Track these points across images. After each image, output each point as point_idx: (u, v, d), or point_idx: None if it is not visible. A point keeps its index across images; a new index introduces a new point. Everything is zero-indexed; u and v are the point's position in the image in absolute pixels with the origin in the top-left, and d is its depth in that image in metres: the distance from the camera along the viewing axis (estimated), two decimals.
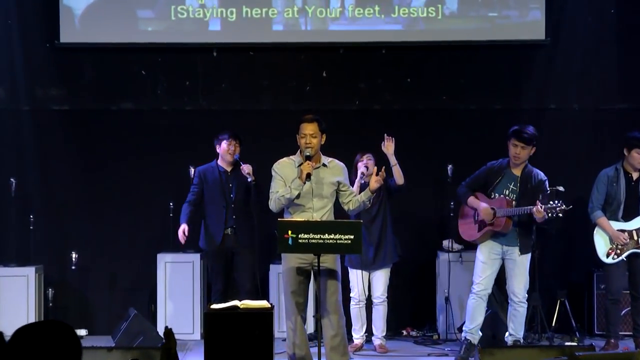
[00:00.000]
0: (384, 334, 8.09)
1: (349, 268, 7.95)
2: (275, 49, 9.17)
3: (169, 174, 9.01)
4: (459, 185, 7.77)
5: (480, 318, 7.59)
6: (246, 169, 7.89)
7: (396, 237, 8.07)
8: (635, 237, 7.78)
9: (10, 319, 8.15)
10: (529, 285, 7.61)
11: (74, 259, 8.84)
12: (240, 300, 6.59)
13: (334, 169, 6.63)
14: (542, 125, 9.07)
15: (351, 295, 7.96)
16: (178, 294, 8.66)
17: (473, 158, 8.03)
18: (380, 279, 7.99)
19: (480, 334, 7.65)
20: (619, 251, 7.79)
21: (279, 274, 8.50)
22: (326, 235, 6.15)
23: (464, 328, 7.72)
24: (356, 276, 7.94)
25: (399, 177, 7.80)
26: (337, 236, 6.15)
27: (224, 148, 8.05)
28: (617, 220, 7.84)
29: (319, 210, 6.51)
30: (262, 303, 6.59)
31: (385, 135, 7.77)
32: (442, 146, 8.99)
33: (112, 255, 9.06)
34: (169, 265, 8.71)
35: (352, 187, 7.04)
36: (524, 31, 9.04)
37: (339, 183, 6.61)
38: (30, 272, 8.66)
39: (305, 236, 6.15)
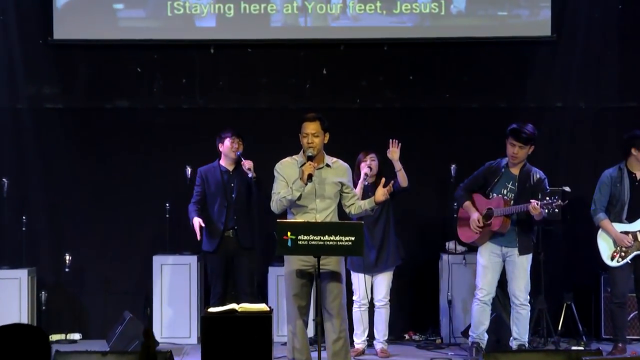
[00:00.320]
0: (386, 338, 8.07)
1: (351, 271, 7.94)
2: (274, 45, 9.15)
3: (166, 173, 8.99)
4: (457, 188, 7.78)
5: (486, 322, 7.60)
6: (247, 164, 7.90)
7: (399, 240, 8.05)
8: None
9: (2, 323, 8.12)
10: (530, 287, 7.60)
11: (67, 261, 8.83)
12: (238, 304, 6.58)
13: (337, 170, 6.60)
14: (547, 124, 9.10)
15: (353, 298, 7.95)
16: (174, 297, 8.65)
17: (477, 158, 8.02)
18: (383, 282, 7.98)
19: (487, 336, 7.65)
20: (623, 254, 7.78)
21: (278, 277, 8.51)
22: (327, 237, 6.12)
23: (470, 333, 7.71)
24: (358, 279, 7.93)
25: (403, 180, 7.80)
26: (338, 238, 6.12)
27: (227, 146, 8.05)
28: (621, 221, 7.83)
29: (322, 212, 6.49)
30: (261, 306, 6.58)
31: (391, 140, 7.75)
32: (445, 145, 8.98)
33: (107, 257, 9.05)
34: (165, 268, 8.70)
35: (355, 188, 7.01)
36: (529, 28, 9.03)
37: (342, 184, 6.58)
38: (22, 274, 8.64)
39: (305, 238, 6.13)
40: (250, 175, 7.88)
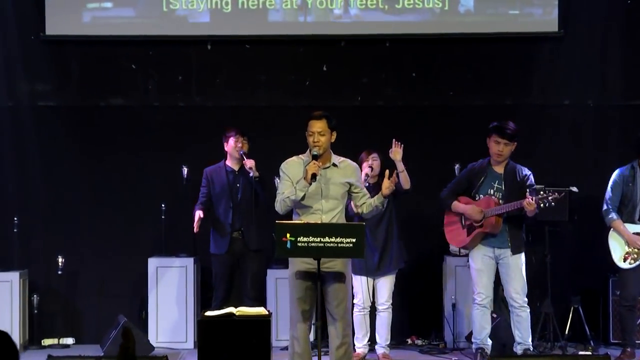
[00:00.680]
0: (388, 342, 8.06)
1: (352, 274, 7.92)
2: (273, 41, 9.15)
3: (161, 173, 8.99)
4: (442, 191, 7.77)
5: (488, 326, 7.60)
6: (248, 163, 7.91)
7: (402, 242, 8.05)
8: None
9: None
10: (536, 289, 7.59)
11: (60, 264, 8.82)
12: (236, 307, 6.57)
13: (345, 170, 6.58)
14: (553, 122, 9.10)
15: (354, 301, 7.93)
16: (171, 300, 8.64)
17: (481, 157, 7.98)
18: (385, 285, 7.97)
19: (490, 341, 7.65)
20: (635, 255, 7.76)
21: (277, 279, 8.51)
22: (327, 238, 6.11)
23: (473, 340, 7.71)
24: (360, 282, 7.92)
25: (405, 182, 7.80)
26: (339, 239, 6.11)
27: (231, 145, 8.05)
28: (633, 222, 7.81)
29: (328, 212, 6.47)
30: (259, 310, 6.57)
31: (394, 140, 7.74)
32: (449, 144, 8.98)
33: (101, 259, 9.04)
34: (161, 270, 8.69)
35: None
36: (535, 23, 9.03)
37: (350, 185, 6.56)
38: (14, 277, 8.62)
39: (305, 239, 6.11)
40: (251, 174, 7.88)
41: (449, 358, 8.25)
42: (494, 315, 8.17)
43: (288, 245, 6.12)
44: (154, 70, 9.20)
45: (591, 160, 9.04)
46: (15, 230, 8.79)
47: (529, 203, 7.24)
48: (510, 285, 7.52)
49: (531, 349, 7.60)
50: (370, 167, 7.84)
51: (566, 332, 8.44)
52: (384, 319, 8.00)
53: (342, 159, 6.64)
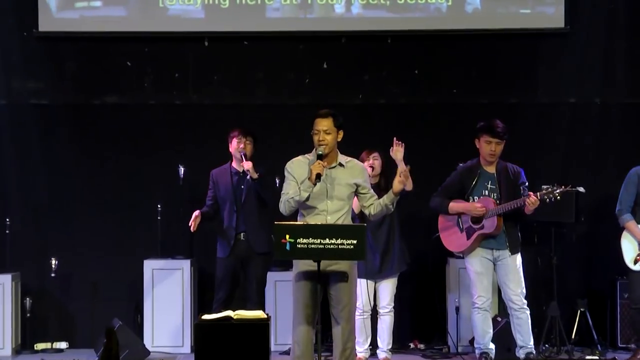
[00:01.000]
0: (390, 347, 8.06)
1: None
2: (272, 38, 9.15)
3: (157, 173, 8.99)
4: (431, 198, 7.74)
5: (490, 330, 7.60)
6: (245, 165, 7.88)
7: (404, 244, 8.04)
8: None
9: None
10: (533, 291, 7.59)
11: (53, 266, 8.81)
12: (234, 311, 6.56)
13: (352, 170, 6.55)
14: (560, 120, 9.10)
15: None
16: (167, 303, 8.64)
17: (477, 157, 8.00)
18: (387, 288, 7.96)
19: (493, 345, 7.64)
20: None
21: (277, 282, 8.51)
22: (327, 239, 6.10)
23: (476, 345, 7.71)
24: (360, 285, 7.90)
25: (407, 183, 7.79)
26: (339, 241, 6.11)
27: (234, 146, 8.02)
28: None
29: (333, 214, 6.46)
30: (258, 313, 6.56)
31: (395, 139, 7.74)
32: (452, 144, 8.97)
33: (95, 261, 9.03)
34: (157, 273, 8.69)
35: None
36: (541, 19, 9.02)
37: (357, 185, 6.54)
38: (6, 279, 8.61)
39: (305, 241, 6.11)
40: (248, 177, 7.87)
41: None
42: (499, 319, 8.17)
43: (287, 247, 6.12)
44: (149, 68, 9.20)
45: (598, 160, 9.03)
46: (7, 231, 8.79)
47: (533, 202, 7.23)
48: (509, 287, 7.51)
49: (534, 352, 7.60)
50: (371, 166, 7.84)
51: (573, 336, 8.44)
52: (386, 322, 7.99)
53: (349, 158, 6.62)
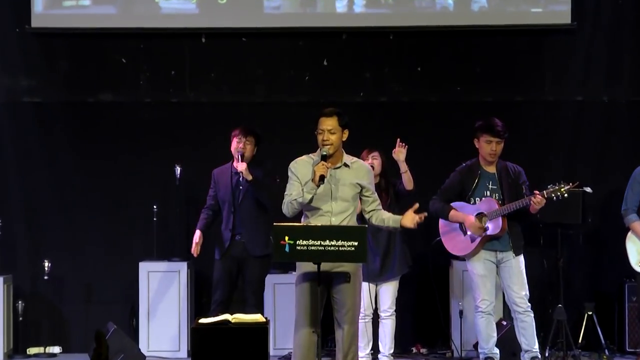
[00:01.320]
0: (392, 351, 8.05)
1: None
2: (271, 34, 9.14)
3: (153, 173, 8.99)
4: (430, 201, 7.71)
5: (494, 334, 7.58)
6: (239, 167, 7.86)
7: (406, 246, 8.03)
8: None
9: None
10: (539, 294, 7.59)
11: (46, 268, 8.81)
12: (232, 314, 6.55)
13: (357, 171, 6.53)
14: (567, 119, 9.10)
15: None
16: (163, 306, 8.64)
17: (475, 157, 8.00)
18: (388, 291, 7.96)
19: (498, 349, 7.64)
20: None
21: (275, 285, 8.51)
22: (327, 241, 6.10)
23: (480, 350, 7.70)
24: (361, 288, 7.90)
25: (408, 183, 7.79)
26: (340, 243, 6.10)
27: (234, 146, 8.01)
28: None
29: (338, 215, 6.44)
30: (256, 317, 6.56)
31: (398, 140, 7.73)
32: (456, 143, 8.93)
33: (90, 263, 9.04)
34: (153, 275, 8.69)
35: None
36: (547, 15, 9.02)
37: (361, 187, 6.53)
38: None
39: (304, 242, 6.10)
40: (241, 178, 7.86)
41: None
42: (504, 323, 8.16)
43: (286, 249, 6.11)
44: (145, 65, 9.20)
45: (606, 159, 9.03)
46: None
47: (539, 201, 7.22)
48: (513, 289, 7.49)
49: (539, 357, 7.59)
50: (371, 166, 7.82)
51: (580, 340, 8.44)
52: (387, 326, 7.99)
53: (355, 159, 6.61)
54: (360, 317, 7.78)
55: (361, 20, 9.06)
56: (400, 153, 7.76)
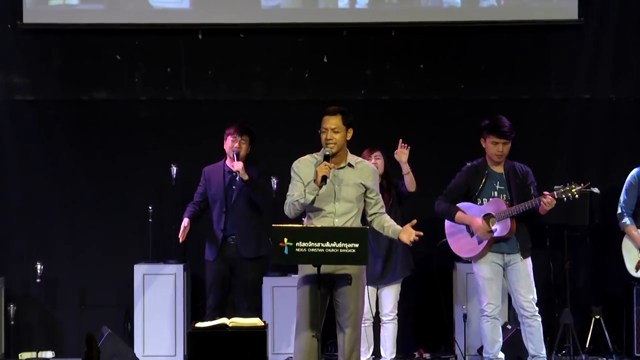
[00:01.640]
0: (394, 356, 8.06)
1: None
2: (269, 30, 9.14)
3: (149, 173, 8.99)
4: (436, 201, 7.70)
5: (499, 339, 7.56)
6: (235, 166, 7.86)
7: (408, 248, 8.02)
8: None
9: None
10: (545, 297, 7.57)
11: (39, 271, 8.80)
12: (229, 318, 6.56)
13: (362, 171, 6.52)
14: (573, 117, 9.10)
15: None
16: (158, 310, 8.63)
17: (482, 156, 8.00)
18: (390, 294, 7.96)
19: (503, 355, 7.63)
20: None
21: (274, 288, 8.50)
22: (327, 243, 6.10)
23: (484, 355, 7.69)
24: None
25: (411, 184, 7.79)
26: (340, 245, 6.10)
27: (228, 145, 8.01)
28: None
29: (341, 216, 6.44)
30: (254, 321, 6.55)
31: (400, 141, 7.73)
32: (460, 142, 8.94)
33: (83, 266, 9.03)
34: (148, 278, 8.68)
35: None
36: (554, 10, 9.01)
37: (366, 188, 6.52)
38: None
39: (304, 244, 6.10)
40: (237, 178, 7.85)
41: None
42: (509, 327, 8.16)
43: (285, 251, 6.11)
44: (140, 62, 9.19)
45: (613, 159, 9.02)
46: None
47: (548, 202, 7.20)
48: (521, 293, 7.48)
49: None
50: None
51: (587, 344, 8.44)
52: (389, 330, 7.99)
53: (359, 159, 6.61)
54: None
55: (362, 16, 9.06)
56: (402, 154, 7.76)
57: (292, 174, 6.52)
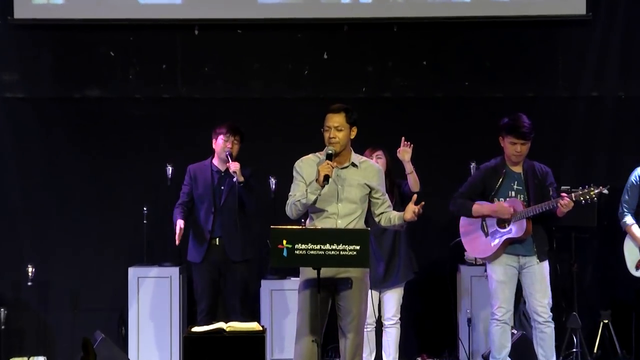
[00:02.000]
0: None
1: None
2: (268, 26, 9.14)
3: (143, 173, 8.99)
4: (451, 200, 7.69)
5: (508, 344, 7.55)
6: (232, 167, 7.86)
7: (411, 250, 8.03)
8: None
9: None
10: (562, 302, 7.54)
11: (30, 274, 8.78)
12: (226, 322, 6.55)
13: (366, 171, 6.53)
14: (581, 116, 9.10)
15: None
16: (153, 314, 8.63)
17: (499, 155, 7.98)
18: (392, 298, 7.96)
19: None
20: None
21: (272, 291, 8.50)
22: (327, 245, 6.09)
23: (491, 359, 7.69)
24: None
25: (414, 184, 7.78)
26: (341, 247, 6.10)
27: (219, 144, 8.01)
28: None
29: (344, 217, 6.44)
30: (252, 325, 6.55)
31: (403, 139, 7.72)
32: (464, 141, 8.97)
33: (76, 269, 9.03)
34: (143, 281, 8.68)
35: None
36: (561, 5, 9.01)
37: (371, 189, 6.52)
38: None
39: (303, 246, 6.10)
40: (235, 179, 7.85)
41: None
42: (514, 332, 8.15)
43: (284, 253, 6.11)
44: (135, 58, 9.19)
45: (622, 158, 9.01)
46: None
47: (566, 205, 7.18)
48: (535, 297, 7.47)
49: None
50: None
51: (595, 350, 8.44)
52: (392, 335, 7.99)
53: (364, 158, 6.61)
54: None
55: (363, 11, 9.05)
56: (405, 153, 7.75)
57: (295, 173, 6.52)
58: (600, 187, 7.23)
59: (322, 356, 6.58)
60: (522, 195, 7.49)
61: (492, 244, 7.49)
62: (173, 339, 8.61)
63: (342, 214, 6.43)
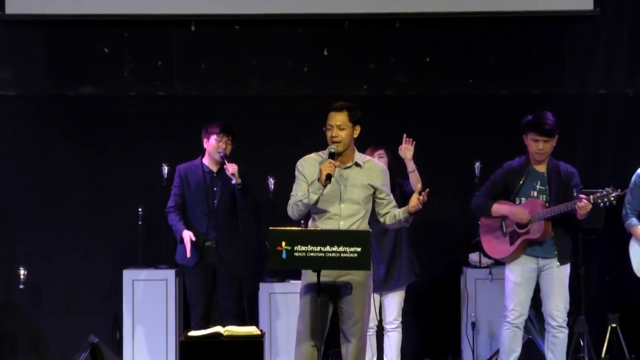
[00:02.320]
0: None
1: None
2: (266, 22, 9.13)
3: (138, 173, 8.98)
4: (472, 197, 7.70)
5: (518, 349, 7.53)
6: (230, 168, 7.85)
7: (413, 252, 8.02)
8: None
9: None
10: (570, 306, 7.53)
11: (22, 276, 8.79)
12: (224, 327, 6.54)
13: (370, 171, 6.53)
14: (589, 114, 9.09)
15: None
16: (148, 318, 8.63)
17: (505, 154, 7.98)
18: (393, 301, 7.95)
19: None
20: None
21: (270, 295, 8.49)
22: (327, 247, 6.09)
23: None
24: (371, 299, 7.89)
25: (416, 183, 7.76)
26: (341, 249, 6.09)
27: (212, 145, 7.99)
28: None
29: (347, 218, 6.44)
30: (250, 329, 6.54)
31: (404, 137, 7.72)
32: (468, 140, 8.97)
33: (69, 271, 9.03)
34: (138, 284, 8.67)
35: None
36: (568, 0, 9.00)
37: (375, 189, 6.51)
38: None
39: (303, 248, 6.10)
40: (234, 181, 7.84)
41: None
42: (522, 337, 8.14)
43: (283, 255, 6.11)
44: (129, 55, 9.19)
45: (630, 157, 8.99)
46: None
47: (584, 207, 7.15)
48: (552, 301, 7.45)
49: None
50: None
51: (603, 354, 8.42)
52: (393, 339, 7.98)
53: (368, 158, 6.62)
54: None
55: (365, 6, 9.04)
56: (407, 150, 7.74)
57: (297, 173, 6.53)
58: (619, 190, 7.21)
59: None
60: (544, 196, 7.46)
61: (510, 245, 7.48)
62: (169, 344, 8.60)
63: (345, 215, 6.43)
